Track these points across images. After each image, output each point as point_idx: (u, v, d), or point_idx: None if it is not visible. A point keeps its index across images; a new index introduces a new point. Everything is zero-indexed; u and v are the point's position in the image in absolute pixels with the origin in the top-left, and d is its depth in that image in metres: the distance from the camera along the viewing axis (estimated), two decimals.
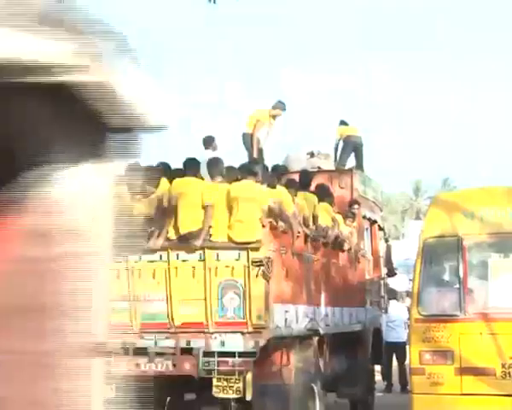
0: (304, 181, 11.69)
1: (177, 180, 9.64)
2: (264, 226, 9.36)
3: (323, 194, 11.90)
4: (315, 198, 11.46)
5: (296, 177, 11.94)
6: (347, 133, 14.37)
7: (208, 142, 12.18)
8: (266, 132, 13.30)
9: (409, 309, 12.73)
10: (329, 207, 11.87)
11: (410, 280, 11.43)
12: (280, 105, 13.26)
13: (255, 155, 12.91)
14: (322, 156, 13.69)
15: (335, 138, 14.43)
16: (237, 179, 9.79)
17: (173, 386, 10.01)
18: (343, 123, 14.57)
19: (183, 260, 9.33)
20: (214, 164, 9.94)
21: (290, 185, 10.86)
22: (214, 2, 11.24)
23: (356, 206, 13.04)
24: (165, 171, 9.93)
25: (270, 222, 9.42)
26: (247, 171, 9.87)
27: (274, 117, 13.24)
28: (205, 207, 9.34)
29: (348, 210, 12.88)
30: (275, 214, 9.64)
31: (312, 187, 12.02)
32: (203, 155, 10.98)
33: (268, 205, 9.48)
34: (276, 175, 10.34)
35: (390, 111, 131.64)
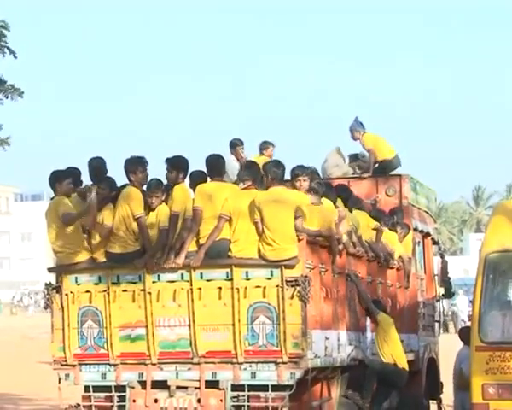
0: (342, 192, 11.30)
1: (200, 186, 9.48)
2: (300, 240, 9.18)
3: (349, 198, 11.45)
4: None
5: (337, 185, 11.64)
6: None
7: (236, 145, 12.10)
8: None
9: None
10: (368, 216, 11.53)
11: (471, 302, 11.25)
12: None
13: None
14: (367, 159, 13.43)
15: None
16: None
17: None
18: None
19: (208, 280, 9.25)
20: (250, 167, 9.75)
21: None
22: None
23: (395, 216, 12.52)
24: (180, 170, 9.54)
25: (307, 235, 9.30)
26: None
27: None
28: (218, 218, 9.24)
29: (387, 220, 12.28)
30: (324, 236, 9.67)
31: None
32: (228, 160, 10.83)
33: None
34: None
35: (446, 108, 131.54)
